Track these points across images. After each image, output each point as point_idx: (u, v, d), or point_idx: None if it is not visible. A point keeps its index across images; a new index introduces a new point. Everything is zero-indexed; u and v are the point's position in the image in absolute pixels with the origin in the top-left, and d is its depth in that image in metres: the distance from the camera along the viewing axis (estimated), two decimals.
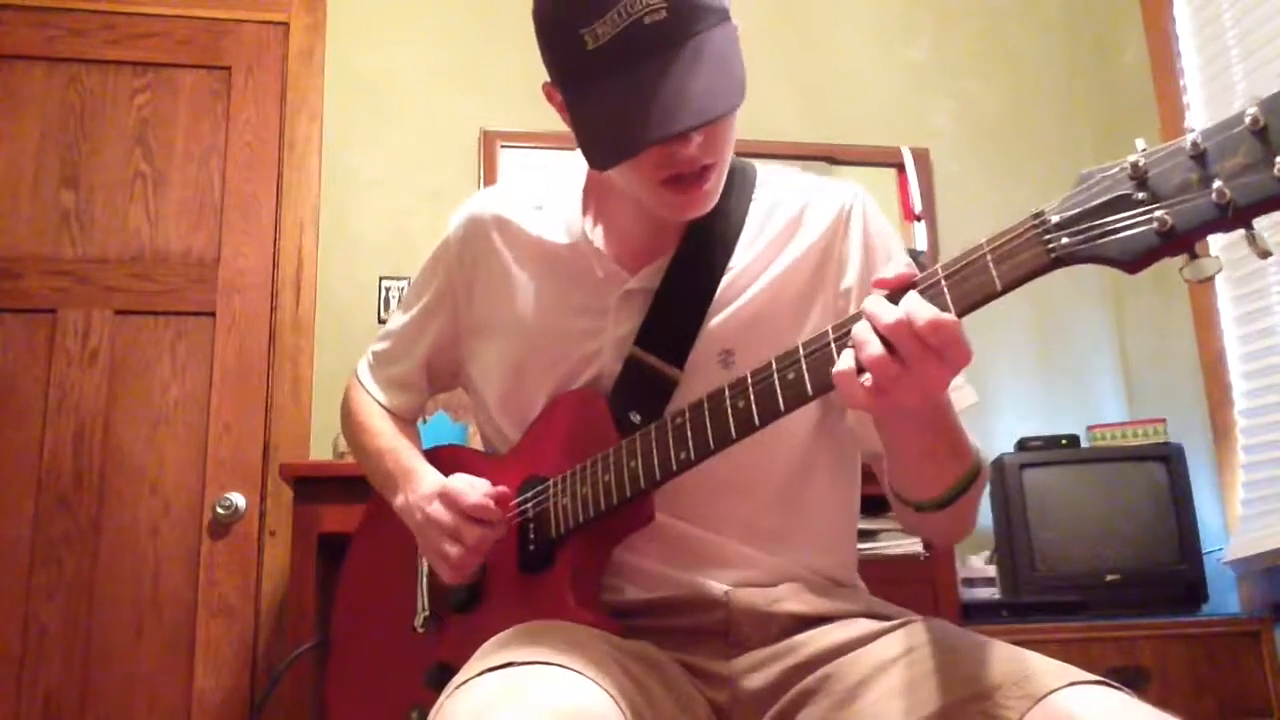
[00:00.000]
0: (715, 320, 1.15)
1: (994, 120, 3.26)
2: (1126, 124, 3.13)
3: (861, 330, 0.88)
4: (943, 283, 0.88)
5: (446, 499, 1.16)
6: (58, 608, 2.51)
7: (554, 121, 1.17)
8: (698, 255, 1.17)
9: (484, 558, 1.17)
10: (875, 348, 0.86)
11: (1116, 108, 3.19)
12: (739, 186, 1.21)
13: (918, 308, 0.85)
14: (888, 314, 0.86)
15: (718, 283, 1.16)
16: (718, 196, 1.13)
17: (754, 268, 1.18)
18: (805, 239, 1.19)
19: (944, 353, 0.85)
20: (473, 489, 1.15)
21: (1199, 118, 2.84)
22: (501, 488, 1.16)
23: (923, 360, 0.85)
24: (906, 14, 3.30)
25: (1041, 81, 3.31)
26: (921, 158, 3.14)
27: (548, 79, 1.13)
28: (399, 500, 1.25)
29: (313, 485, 2.30)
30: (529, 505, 1.18)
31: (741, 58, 1.07)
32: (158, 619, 2.55)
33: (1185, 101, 2.87)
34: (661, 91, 1.01)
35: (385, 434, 1.33)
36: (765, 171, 1.26)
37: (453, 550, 1.14)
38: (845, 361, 0.89)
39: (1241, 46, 2.71)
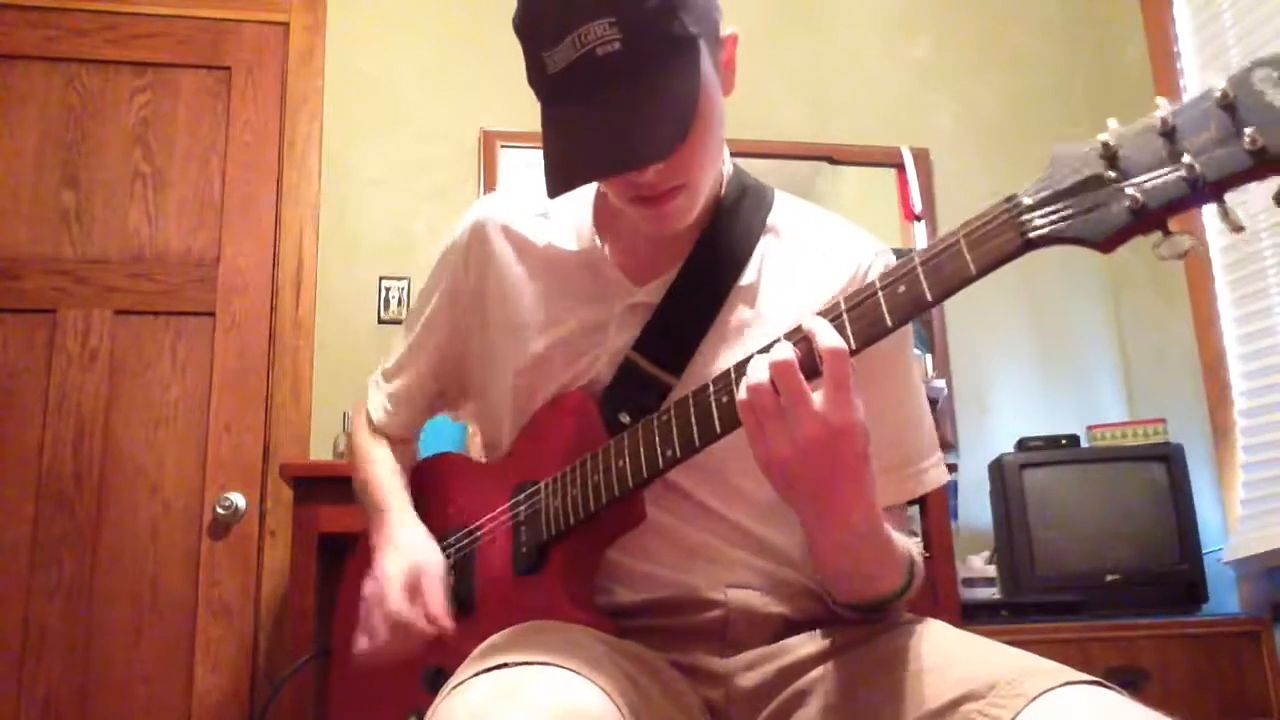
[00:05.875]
0: (718, 342, 1.14)
1: (994, 120, 3.25)
2: (1127, 124, 3.13)
3: (757, 359, 0.91)
4: (919, 270, 0.88)
5: (373, 591, 1.18)
6: (58, 608, 2.51)
7: None
8: (702, 272, 1.16)
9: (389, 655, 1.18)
10: (760, 374, 0.89)
11: (1116, 108, 3.16)
12: (752, 208, 1.20)
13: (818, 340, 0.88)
14: (780, 349, 0.89)
15: (722, 300, 1.15)
16: (694, 212, 1.12)
17: (763, 301, 1.16)
18: (819, 292, 1.16)
19: (822, 404, 0.87)
20: (402, 603, 1.16)
21: None
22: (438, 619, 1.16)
23: (796, 404, 0.88)
24: (907, 14, 3.30)
25: (1041, 81, 3.31)
26: (921, 158, 3.14)
27: None
28: (373, 540, 1.26)
29: (313, 485, 2.31)
30: (521, 508, 1.18)
31: (708, 88, 1.04)
32: (158, 619, 2.56)
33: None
34: (600, 130, 1.00)
35: (374, 463, 1.35)
36: (783, 199, 1.24)
37: (363, 640, 1.18)
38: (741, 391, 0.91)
39: (1241, 47, 2.71)
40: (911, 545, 1.09)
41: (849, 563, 1.00)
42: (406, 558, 1.18)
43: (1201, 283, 2.80)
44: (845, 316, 0.92)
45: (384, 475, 1.32)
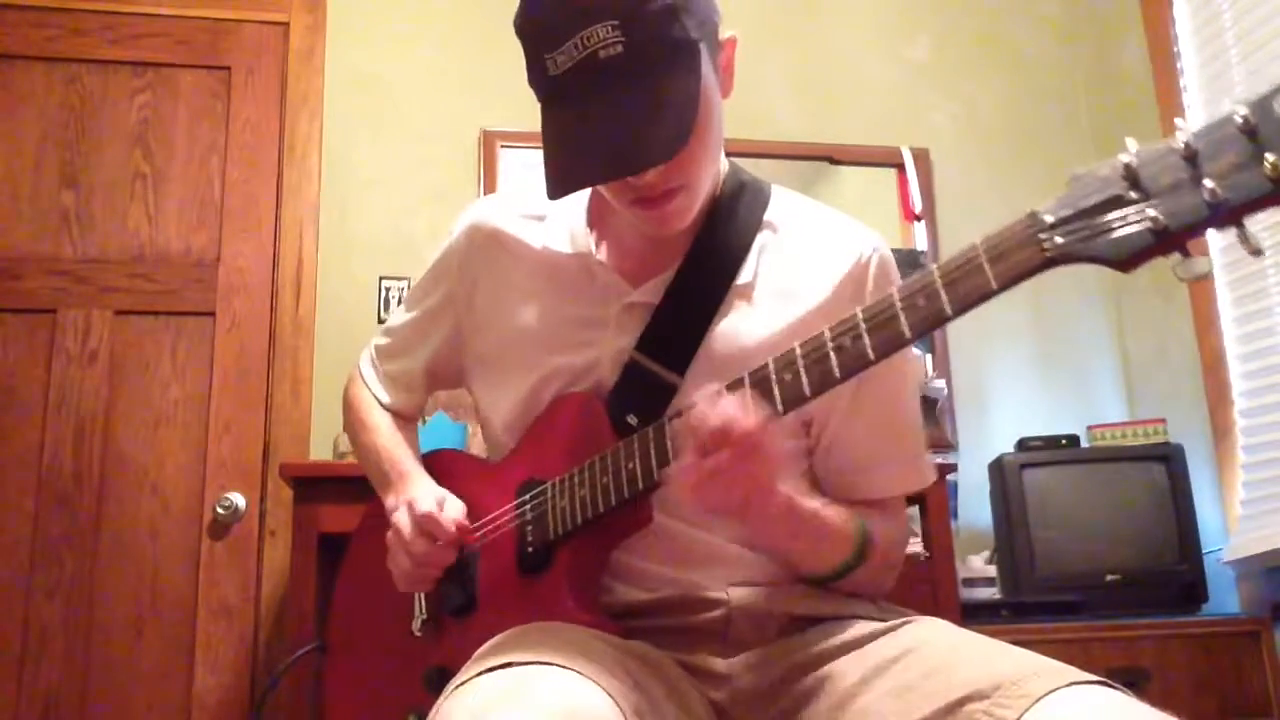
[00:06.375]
0: (720, 339, 1.14)
1: (994, 120, 3.25)
2: (1126, 124, 3.13)
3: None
4: (938, 284, 0.89)
5: (409, 508, 1.20)
6: (58, 607, 2.51)
7: None
8: (700, 271, 1.16)
9: (434, 576, 1.20)
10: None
11: (1116, 108, 3.19)
12: (748, 204, 1.20)
13: (737, 414, 0.93)
14: (711, 420, 0.93)
15: (721, 298, 1.15)
16: (692, 213, 1.13)
17: (762, 297, 1.16)
18: (818, 286, 1.16)
19: (757, 454, 0.94)
20: (429, 501, 1.19)
21: (1199, 118, 2.83)
22: (457, 519, 1.20)
23: (743, 459, 0.93)
24: (906, 14, 3.30)
25: (1041, 81, 3.31)
26: (921, 158, 3.14)
27: None
28: (390, 502, 1.27)
29: (313, 485, 2.30)
30: (527, 508, 1.18)
31: (708, 91, 1.05)
32: (158, 619, 2.55)
33: (1185, 102, 2.87)
34: (602, 133, 1.01)
35: (381, 431, 1.35)
36: (780, 193, 1.24)
37: (403, 562, 1.18)
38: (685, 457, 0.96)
39: (1241, 46, 2.71)
40: (870, 521, 1.14)
41: (784, 544, 1.10)
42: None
43: (1201, 283, 2.80)
44: (864, 328, 0.93)
45: (396, 448, 1.33)
